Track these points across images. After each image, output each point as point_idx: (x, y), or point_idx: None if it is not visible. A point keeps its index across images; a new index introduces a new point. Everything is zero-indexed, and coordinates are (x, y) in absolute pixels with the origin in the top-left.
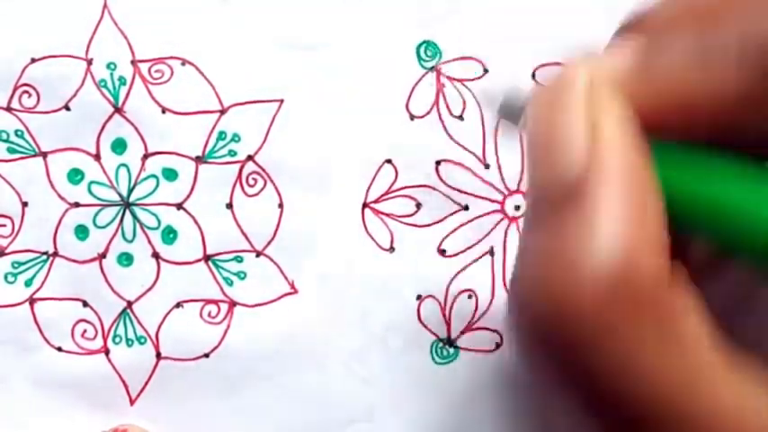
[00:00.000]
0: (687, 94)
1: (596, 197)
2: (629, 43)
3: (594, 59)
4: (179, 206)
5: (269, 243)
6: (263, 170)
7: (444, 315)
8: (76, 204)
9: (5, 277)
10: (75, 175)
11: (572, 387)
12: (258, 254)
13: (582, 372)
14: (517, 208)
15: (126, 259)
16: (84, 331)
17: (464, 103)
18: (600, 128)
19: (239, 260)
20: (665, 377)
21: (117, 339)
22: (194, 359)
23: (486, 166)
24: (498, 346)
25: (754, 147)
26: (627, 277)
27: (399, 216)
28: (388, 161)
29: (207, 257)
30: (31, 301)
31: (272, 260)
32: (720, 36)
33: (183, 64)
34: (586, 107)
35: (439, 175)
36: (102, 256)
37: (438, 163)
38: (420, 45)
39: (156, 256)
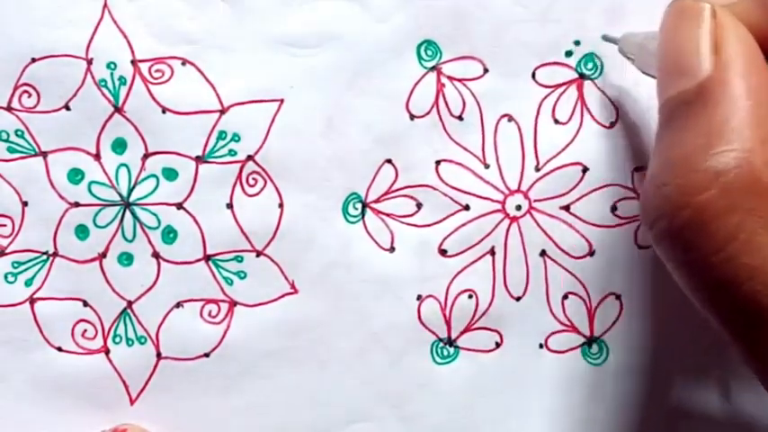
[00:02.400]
0: None
1: (718, 97)
2: None
3: None
4: (179, 206)
5: (269, 243)
6: (263, 170)
7: (444, 315)
8: (76, 204)
9: (5, 277)
10: (76, 175)
11: (691, 278)
12: (258, 254)
13: (694, 259)
14: (518, 208)
15: (126, 259)
16: (85, 331)
17: (464, 102)
18: (722, 42)
19: (239, 260)
20: None
21: (117, 339)
22: (194, 359)
23: (486, 166)
24: (498, 345)
25: None
26: (745, 169)
27: (399, 216)
28: (388, 161)
29: (207, 257)
30: (32, 300)
31: (272, 260)
32: None
33: (183, 64)
34: (711, 27)
35: (439, 174)
36: (103, 255)
37: (438, 163)
38: (420, 45)
39: (156, 255)
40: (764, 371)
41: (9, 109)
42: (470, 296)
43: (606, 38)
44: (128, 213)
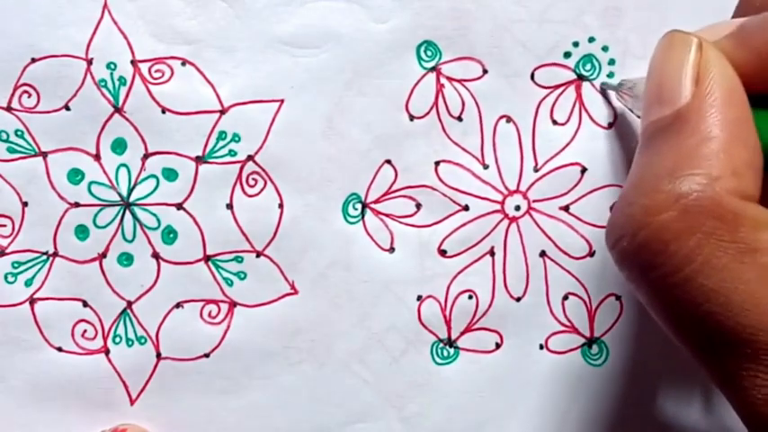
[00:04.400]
0: None
1: (693, 125)
2: (732, 20)
3: (704, 30)
4: (179, 206)
5: (269, 243)
6: (263, 170)
7: (444, 315)
8: (76, 204)
9: (5, 277)
10: (75, 175)
11: (651, 298)
12: (258, 254)
13: (653, 279)
14: (517, 208)
15: (126, 259)
16: (85, 331)
17: (463, 103)
18: (705, 74)
19: (239, 260)
20: (737, 284)
21: (117, 339)
22: (194, 359)
23: (485, 167)
24: (498, 346)
25: None
26: (707, 194)
27: (399, 216)
28: (388, 161)
29: (207, 257)
30: (32, 300)
31: (272, 260)
32: None
33: (183, 64)
34: (695, 59)
35: (438, 175)
36: (103, 255)
37: (437, 163)
38: (420, 45)
39: (156, 256)
40: (726, 389)
41: (9, 109)
42: (470, 296)
43: (605, 85)
44: (128, 214)
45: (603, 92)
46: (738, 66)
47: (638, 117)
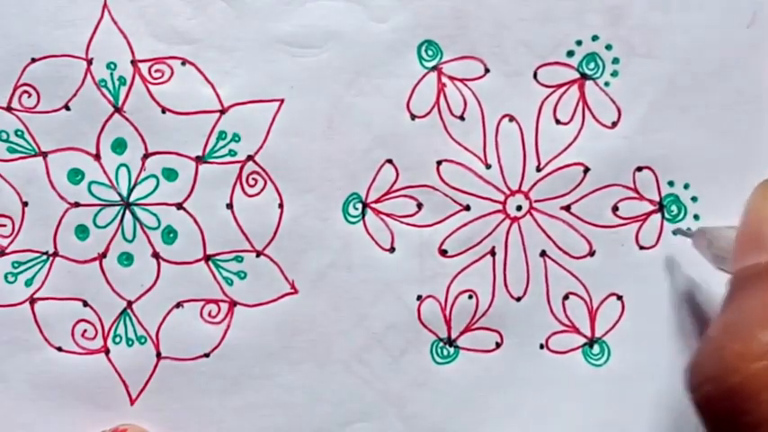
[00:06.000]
0: None
1: None
2: None
3: None
4: (179, 206)
5: (269, 243)
6: (263, 170)
7: (444, 315)
8: (77, 204)
9: (5, 277)
10: (75, 175)
11: None
12: (258, 254)
13: (736, 427)
14: (519, 208)
15: (126, 259)
16: (85, 331)
17: (465, 102)
18: None
19: (239, 260)
20: None
21: (117, 339)
22: (194, 359)
23: (488, 166)
24: (498, 346)
25: None
26: None
27: (400, 216)
28: (389, 161)
29: (207, 257)
30: (32, 300)
31: (272, 260)
32: None
33: (183, 64)
34: None
35: (440, 175)
36: (103, 255)
37: (439, 163)
38: (421, 44)
39: (156, 255)
40: None
41: (9, 109)
42: (470, 296)
43: (678, 231)
44: (128, 213)
45: (679, 233)
46: None
47: (718, 268)
